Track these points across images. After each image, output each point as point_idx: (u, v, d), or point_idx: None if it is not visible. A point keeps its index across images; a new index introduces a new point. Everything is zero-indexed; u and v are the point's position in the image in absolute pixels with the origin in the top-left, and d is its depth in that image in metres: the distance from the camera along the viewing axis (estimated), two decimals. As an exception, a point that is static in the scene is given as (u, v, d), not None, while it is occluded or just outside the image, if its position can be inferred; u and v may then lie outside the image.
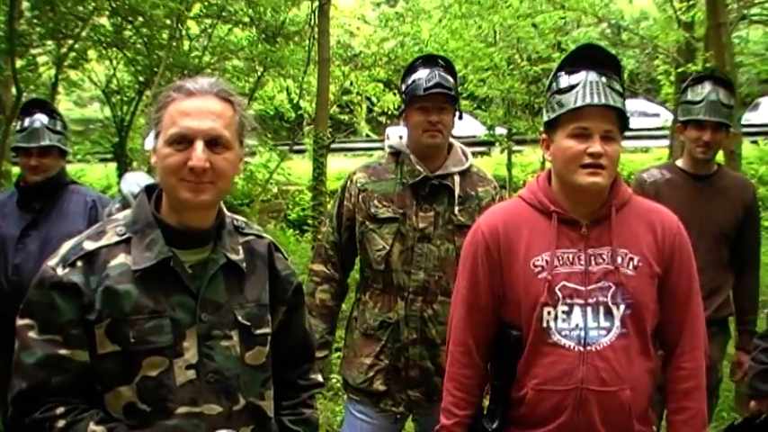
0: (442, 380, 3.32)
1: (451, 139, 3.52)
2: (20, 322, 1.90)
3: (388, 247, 3.38)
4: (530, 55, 13.73)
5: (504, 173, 15.09)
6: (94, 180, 15.00)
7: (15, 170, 15.86)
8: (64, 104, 20.87)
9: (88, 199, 3.85)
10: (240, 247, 2.05)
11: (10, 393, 1.88)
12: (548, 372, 2.42)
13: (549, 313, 2.43)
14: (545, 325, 2.44)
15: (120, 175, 13.25)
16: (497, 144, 16.78)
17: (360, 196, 3.48)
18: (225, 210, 2.07)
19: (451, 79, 3.41)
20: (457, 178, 3.43)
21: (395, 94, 14.98)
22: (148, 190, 2.02)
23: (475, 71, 13.69)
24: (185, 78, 1.98)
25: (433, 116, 3.33)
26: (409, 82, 3.41)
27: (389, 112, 15.83)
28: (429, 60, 3.46)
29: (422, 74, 3.35)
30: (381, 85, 15.90)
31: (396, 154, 3.53)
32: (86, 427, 1.83)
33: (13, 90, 11.75)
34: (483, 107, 16.18)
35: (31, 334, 1.86)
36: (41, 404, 1.84)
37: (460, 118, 3.49)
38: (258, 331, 2.04)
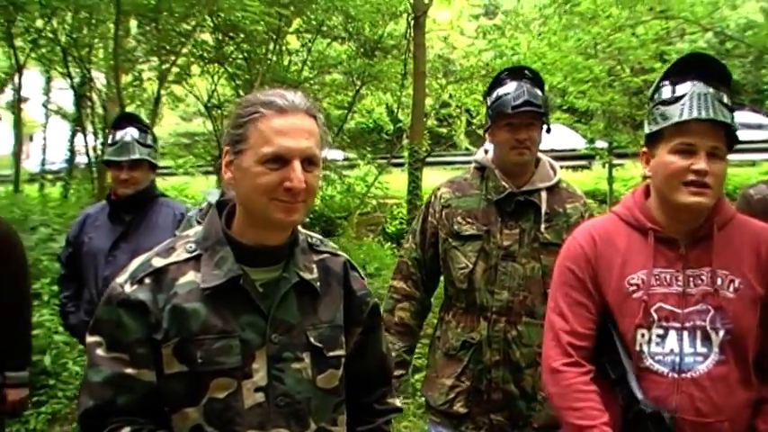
0: (527, 404, 3.20)
1: (539, 154, 3.38)
2: (89, 339, 1.87)
3: (471, 266, 3.26)
4: (631, 66, 13.37)
5: (605, 187, 14.78)
6: (197, 193, 15.29)
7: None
8: (171, 119, 21.50)
9: (177, 212, 3.89)
10: (314, 266, 1.98)
11: (78, 410, 1.86)
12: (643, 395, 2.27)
13: (642, 336, 2.29)
14: (638, 348, 2.29)
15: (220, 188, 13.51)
16: (598, 158, 16.41)
17: (443, 212, 3.38)
18: (299, 226, 1.99)
19: (539, 92, 3.25)
20: (544, 194, 3.28)
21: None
22: (219, 206, 1.96)
23: (574, 83, 13.42)
24: (267, 92, 1.88)
25: (521, 134, 3.18)
26: (494, 97, 3.27)
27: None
28: (516, 73, 3.32)
29: (509, 88, 3.21)
30: (480, 98, 15.78)
31: (481, 169, 3.41)
32: None
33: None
34: (583, 120, 15.83)
35: (99, 351, 1.83)
36: (107, 423, 1.80)
37: (548, 131, 3.33)
38: (331, 353, 1.96)
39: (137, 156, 3.80)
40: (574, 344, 2.39)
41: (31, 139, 21.36)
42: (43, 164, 19.71)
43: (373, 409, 2.19)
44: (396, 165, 16.52)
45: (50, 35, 12.92)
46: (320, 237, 2.12)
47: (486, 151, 3.44)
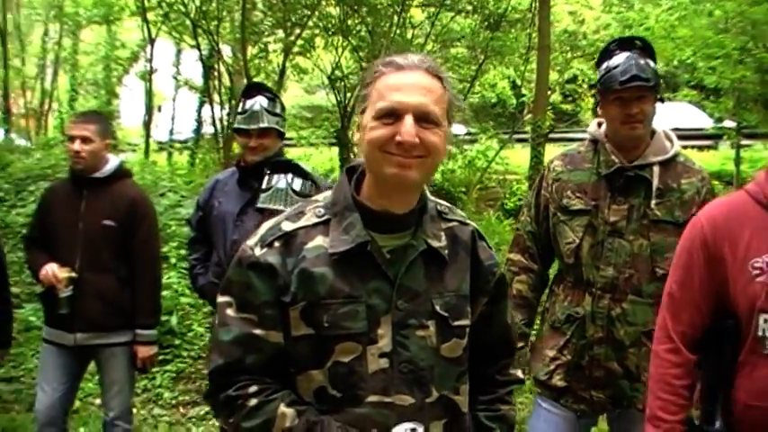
0: (630, 384, 3.10)
1: (655, 125, 3.21)
2: (220, 299, 1.90)
3: (577, 241, 3.18)
4: (765, 43, 12.77)
5: (732, 168, 14.23)
6: (319, 164, 15.51)
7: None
8: (295, 91, 21.79)
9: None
10: (442, 234, 1.95)
11: (208, 367, 1.91)
12: (755, 385, 2.17)
13: (765, 321, 2.16)
14: (760, 334, 2.17)
15: (342, 160, 13.63)
16: (725, 138, 15.80)
17: (554, 186, 3.30)
18: (428, 193, 1.97)
19: (651, 63, 3.09)
20: (656, 169, 3.12)
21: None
22: (349, 171, 1.97)
23: (704, 58, 12.93)
24: (394, 54, 1.89)
25: (631, 108, 3.04)
26: (603, 70, 3.14)
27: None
28: (625, 43, 3.17)
29: (618, 60, 3.07)
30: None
31: (594, 142, 3.30)
32: (277, 408, 1.80)
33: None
34: (711, 98, 15.23)
35: (229, 311, 1.86)
36: (235, 381, 1.83)
37: (662, 101, 3.15)
38: (456, 323, 1.93)
39: (265, 124, 3.86)
40: (678, 329, 2.33)
41: (159, 109, 22.01)
42: (171, 133, 20.34)
43: (495, 379, 2.15)
44: (518, 140, 16.30)
45: (181, 8, 13.22)
46: (449, 204, 2.09)
47: (600, 124, 3.32)
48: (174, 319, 6.39)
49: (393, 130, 1.76)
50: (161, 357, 6.12)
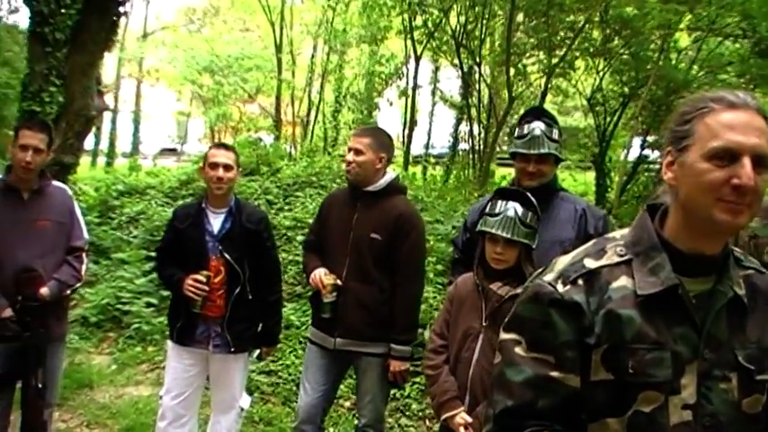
0: None
1: None
2: (504, 336, 1.81)
3: None
4: None
5: None
6: (571, 186, 15.31)
7: (499, 172, 16.93)
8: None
9: (578, 207, 3.86)
10: (741, 281, 1.80)
11: (493, 408, 1.80)
12: None
13: None
14: None
15: (598, 186, 13.40)
16: None
17: None
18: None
19: None
20: None
21: None
22: (650, 209, 1.85)
23: None
24: (719, 90, 1.74)
25: None
26: None
27: None
28: None
29: None
30: None
31: None
32: None
33: (505, 96, 12.39)
34: None
35: (518, 350, 1.76)
36: (524, 426, 1.73)
37: None
38: (759, 377, 1.76)
39: (545, 150, 3.81)
40: None
41: (415, 123, 22.66)
42: (427, 147, 20.83)
43: None
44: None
45: (446, 29, 13.57)
46: (740, 251, 1.94)
47: None
48: (426, 333, 6.48)
49: (728, 172, 1.64)
50: (411, 369, 6.26)
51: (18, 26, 15.19)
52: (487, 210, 3.34)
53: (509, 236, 3.19)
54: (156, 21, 33.52)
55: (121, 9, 8.66)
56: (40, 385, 3.84)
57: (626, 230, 1.88)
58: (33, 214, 3.91)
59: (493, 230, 3.23)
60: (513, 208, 3.29)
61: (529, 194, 3.36)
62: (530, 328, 1.76)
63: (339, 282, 4.00)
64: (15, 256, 3.82)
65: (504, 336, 1.80)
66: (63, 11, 7.79)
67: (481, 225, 3.30)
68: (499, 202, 3.34)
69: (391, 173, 4.21)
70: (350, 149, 4.12)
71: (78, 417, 5.69)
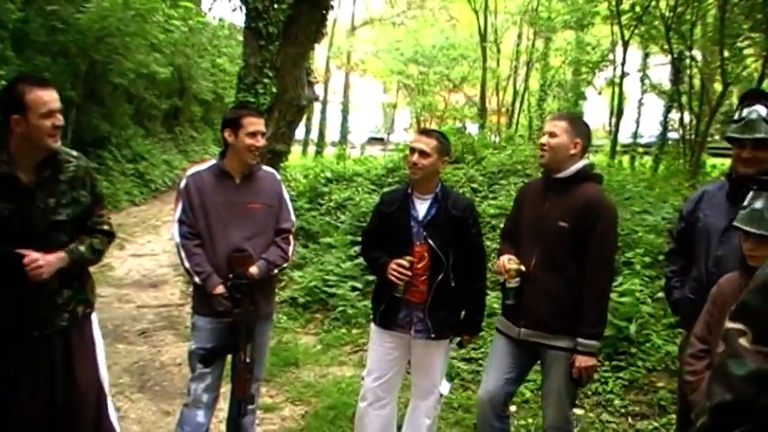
0: None
1: None
2: (729, 325, 1.71)
3: None
4: None
5: None
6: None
7: (710, 162, 16.17)
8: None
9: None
10: None
11: (710, 400, 1.69)
12: None
13: None
14: None
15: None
16: None
17: None
18: None
19: None
20: None
21: None
22: None
23: None
24: None
25: None
26: None
27: None
28: None
29: None
30: None
31: None
32: None
33: (719, 82, 11.84)
34: None
35: (743, 341, 1.65)
36: (740, 423, 1.63)
37: None
38: None
39: (762, 134, 3.60)
40: None
41: (622, 112, 22.12)
42: (635, 136, 20.24)
43: None
44: None
45: (655, 12, 13.10)
46: None
47: None
48: (632, 327, 6.28)
49: None
50: (614, 363, 6.10)
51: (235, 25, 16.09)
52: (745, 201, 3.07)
53: (756, 230, 2.94)
54: (365, 12, 34.50)
55: (331, 2, 8.95)
56: (248, 360, 3.98)
57: None
58: (245, 197, 4.07)
59: (741, 225, 3.00)
60: (764, 200, 2.99)
61: None
62: (757, 319, 1.65)
63: (522, 267, 3.96)
64: (229, 236, 3.99)
65: (729, 324, 1.70)
66: (276, 6, 8.21)
67: (736, 221, 3.06)
68: (753, 193, 3.06)
69: (583, 161, 4.08)
70: (544, 132, 4.09)
71: (284, 393, 5.97)
